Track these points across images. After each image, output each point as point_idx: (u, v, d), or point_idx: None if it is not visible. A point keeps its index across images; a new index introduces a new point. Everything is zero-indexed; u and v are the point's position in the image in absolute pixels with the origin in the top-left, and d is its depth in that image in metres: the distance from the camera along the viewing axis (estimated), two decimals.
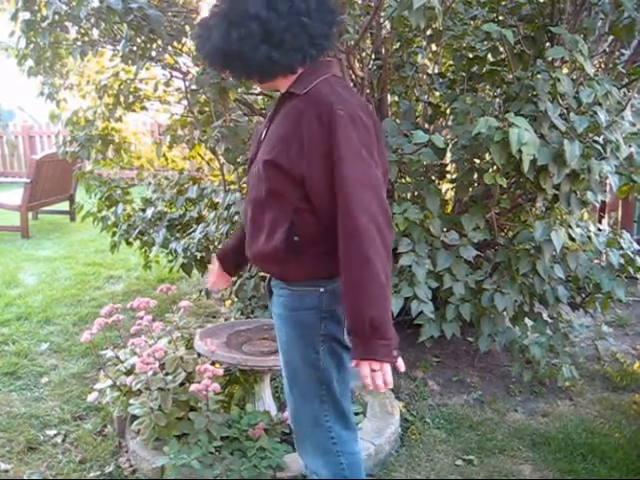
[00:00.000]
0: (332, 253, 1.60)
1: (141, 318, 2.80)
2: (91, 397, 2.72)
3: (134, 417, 2.61)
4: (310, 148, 1.58)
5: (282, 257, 1.67)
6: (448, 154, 3.14)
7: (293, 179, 1.61)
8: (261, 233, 1.71)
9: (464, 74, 3.24)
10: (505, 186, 2.89)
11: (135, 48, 3.38)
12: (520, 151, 2.46)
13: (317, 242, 1.65)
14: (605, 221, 5.13)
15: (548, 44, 3.04)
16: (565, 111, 2.74)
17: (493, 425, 2.93)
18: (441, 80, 3.48)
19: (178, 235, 3.98)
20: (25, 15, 3.28)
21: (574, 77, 2.83)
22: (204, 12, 2.52)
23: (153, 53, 3.55)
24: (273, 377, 2.89)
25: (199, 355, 2.70)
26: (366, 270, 1.53)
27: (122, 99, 4.10)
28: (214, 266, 2.14)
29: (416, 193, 3.21)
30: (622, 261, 3.23)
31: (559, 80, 2.61)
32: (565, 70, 2.92)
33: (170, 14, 3.42)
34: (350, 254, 1.55)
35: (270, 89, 1.73)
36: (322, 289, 1.70)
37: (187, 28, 3.45)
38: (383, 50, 3.38)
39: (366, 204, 1.54)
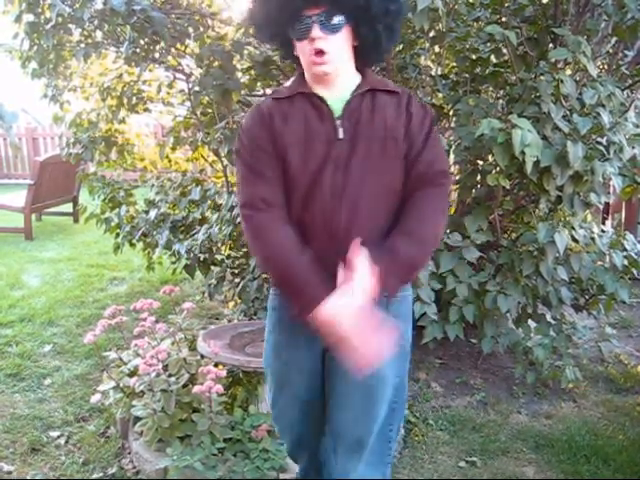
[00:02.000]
0: None
1: (144, 320, 2.80)
2: (94, 398, 2.72)
3: (137, 419, 2.61)
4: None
5: None
6: (451, 155, 3.14)
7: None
8: None
9: (467, 76, 3.24)
10: (508, 187, 2.89)
11: (138, 50, 3.39)
12: (523, 152, 2.46)
13: None
14: (609, 223, 5.12)
15: (551, 45, 3.03)
16: (568, 112, 2.73)
17: (496, 427, 2.92)
18: (444, 82, 3.47)
19: (181, 237, 3.98)
20: (29, 17, 3.30)
21: (577, 78, 2.83)
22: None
23: (156, 55, 3.57)
24: None
25: (202, 357, 2.70)
26: None
27: (125, 101, 4.11)
28: None
29: None
30: (626, 262, 3.22)
31: (562, 81, 2.61)
32: (568, 71, 2.91)
33: (173, 16, 3.43)
34: None
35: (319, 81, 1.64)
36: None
37: (190, 30, 3.46)
38: None
39: None
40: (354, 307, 1.50)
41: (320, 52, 1.57)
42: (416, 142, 1.64)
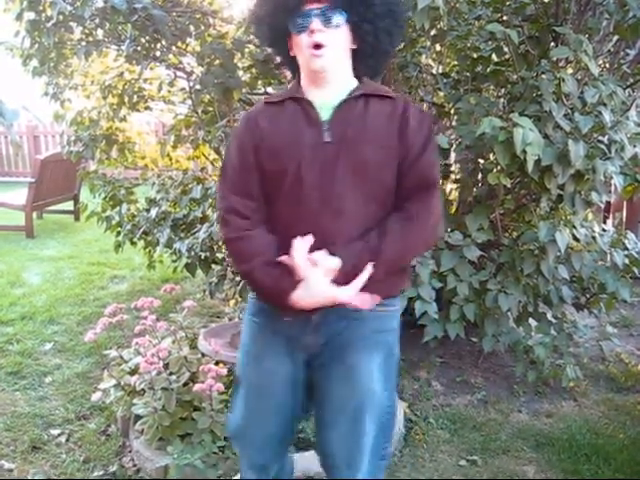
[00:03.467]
0: None
1: (145, 318, 2.80)
2: (95, 397, 2.72)
3: (138, 417, 2.61)
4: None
5: None
6: (452, 154, 3.14)
7: None
8: None
9: (468, 74, 3.24)
10: (509, 186, 2.88)
11: (139, 48, 3.39)
12: (524, 151, 2.46)
13: None
14: (610, 221, 5.12)
15: (552, 44, 3.03)
16: (570, 111, 2.73)
17: (497, 426, 2.92)
18: (445, 80, 3.47)
19: (182, 235, 3.98)
20: (30, 15, 3.29)
21: (579, 77, 2.82)
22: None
23: (157, 53, 3.56)
24: None
25: (203, 355, 2.70)
26: None
27: (126, 99, 4.10)
28: None
29: None
30: (627, 261, 3.21)
31: (563, 80, 2.60)
32: (570, 70, 2.91)
33: (174, 14, 3.42)
34: None
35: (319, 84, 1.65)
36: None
37: (191, 28, 3.46)
38: None
39: None
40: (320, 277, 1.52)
41: (318, 46, 1.57)
42: (412, 149, 1.60)
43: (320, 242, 1.54)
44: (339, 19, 1.57)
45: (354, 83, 1.67)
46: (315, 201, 1.57)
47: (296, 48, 1.63)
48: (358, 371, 1.65)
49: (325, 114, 1.61)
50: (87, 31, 3.57)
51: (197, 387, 2.42)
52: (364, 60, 1.67)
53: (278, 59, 1.74)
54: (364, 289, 1.53)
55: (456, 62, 3.52)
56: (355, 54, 1.66)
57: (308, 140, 1.59)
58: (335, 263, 1.52)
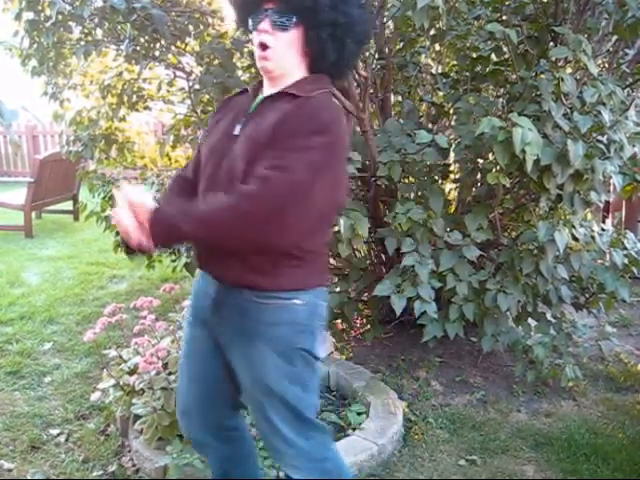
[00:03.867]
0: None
1: (144, 317, 2.80)
2: (94, 396, 2.72)
3: (137, 416, 2.61)
4: None
5: None
6: (451, 154, 3.14)
7: None
8: None
9: (467, 74, 3.24)
10: (508, 186, 2.89)
11: (138, 48, 3.39)
12: (523, 151, 2.46)
13: None
14: (609, 221, 5.12)
15: (552, 44, 3.03)
16: (569, 111, 2.73)
17: (496, 425, 2.92)
18: (444, 80, 3.47)
19: None
20: (29, 15, 3.29)
21: (578, 77, 2.83)
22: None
23: (156, 53, 3.56)
24: None
25: None
26: None
27: (125, 99, 4.10)
28: None
29: (419, 193, 3.21)
30: (626, 261, 3.22)
31: (563, 80, 2.60)
32: (569, 70, 2.91)
33: (173, 14, 3.42)
34: None
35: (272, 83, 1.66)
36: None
37: (190, 28, 3.46)
38: (386, 50, 3.38)
39: None
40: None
41: (264, 46, 1.59)
42: (270, 142, 1.53)
43: None
44: (286, 22, 1.58)
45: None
46: (206, 186, 1.68)
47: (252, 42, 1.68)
48: (253, 363, 1.67)
49: (253, 107, 1.68)
50: (86, 31, 3.57)
51: None
52: (314, 63, 1.67)
53: None
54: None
55: (455, 62, 3.53)
56: (309, 55, 1.65)
57: (227, 130, 1.67)
58: (134, 197, 1.54)
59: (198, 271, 1.84)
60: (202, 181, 1.70)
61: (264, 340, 1.64)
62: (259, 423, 1.78)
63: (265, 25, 1.57)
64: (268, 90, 1.67)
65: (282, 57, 1.61)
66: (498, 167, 2.74)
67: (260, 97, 1.68)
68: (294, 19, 1.57)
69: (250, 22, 1.62)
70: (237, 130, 1.64)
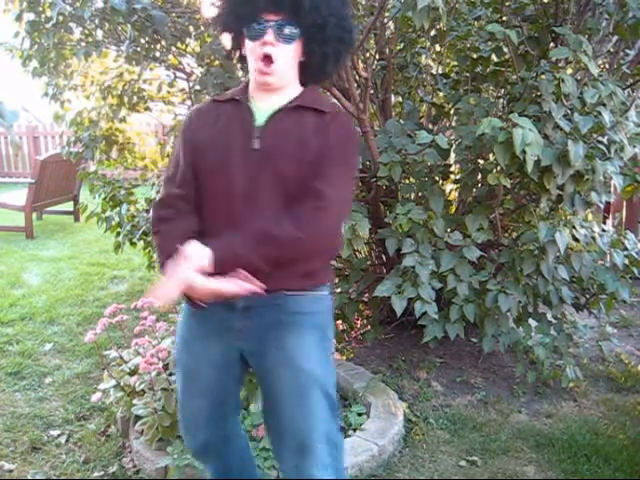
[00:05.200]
0: None
1: (145, 318, 2.80)
2: (95, 397, 2.72)
3: (138, 417, 2.61)
4: None
5: None
6: (452, 155, 3.14)
7: None
8: None
9: (468, 74, 3.24)
10: (509, 187, 2.89)
11: (139, 49, 3.39)
12: (524, 152, 2.46)
13: None
14: (609, 222, 5.12)
15: (552, 44, 3.04)
16: (569, 112, 2.73)
17: (497, 426, 2.92)
18: (445, 80, 3.47)
19: None
20: (29, 16, 3.30)
21: (578, 77, 2.83)
22: (205, 9, 2.52)
23: (157, 54, 3.56)
24: None
25: None
26: None
27: (126, 100, 4.11)
28: None
29: (420, 194, 3.21)
30: (626, 262, 3.22)
31: (563, 80, 2.61)
32: (569, 70, 2.91)
33: (174, 15, 3.42)
34: None
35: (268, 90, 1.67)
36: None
37: (191, 29, 3.46)
38: (387, 50, 3.38)
39: None
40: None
41: (268, 58, 1.57)
42: (320, 160, 1.59)
43: None
44: (292, 35, 1.58)
45: (296, 92, 1.68)
46: (239, 201, 1.61)
47: (247, 52, 1.64)
48: (296, 355, 1.68)
49: (261, 119, 1.64)
50: (87, 32, 3.57)
51: None
52: (309, 73, 1.68)
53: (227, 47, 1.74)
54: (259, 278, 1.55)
55: (456, 62, 3.53)
56: (301, 66, 1.66)
57: (238, 144, 1.62)
58: (201, 258, 1.53)
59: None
60: (226, 198, 1.63)
61: (305, 327, 1.68)
62: (296, 419, 1.69)
63: (270, 36, 1.55)
64: (264, 99, 1.65)
65: (285, 70, 1.61)
66: (499, 168, 2.75)
67: (272, 110, 1.64)
68: (298, 32, 1.58)
69: (251, 29, 1.59)
70: (257, 144, 1.61)
